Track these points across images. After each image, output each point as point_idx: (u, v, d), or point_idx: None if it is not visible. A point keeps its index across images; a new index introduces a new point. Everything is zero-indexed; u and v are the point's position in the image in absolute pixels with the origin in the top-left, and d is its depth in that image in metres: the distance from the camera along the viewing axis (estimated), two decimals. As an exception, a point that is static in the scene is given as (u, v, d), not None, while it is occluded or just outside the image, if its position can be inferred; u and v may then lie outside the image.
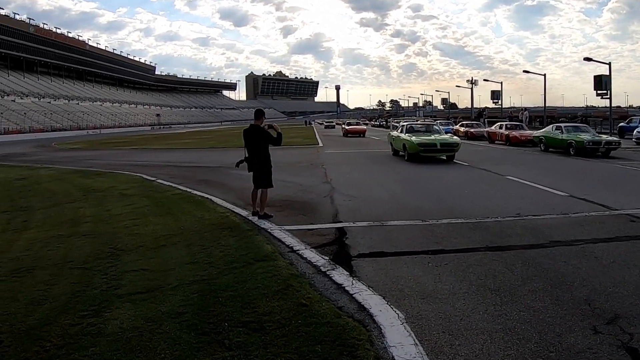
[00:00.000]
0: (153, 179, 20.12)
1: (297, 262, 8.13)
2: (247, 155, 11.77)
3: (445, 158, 25.59)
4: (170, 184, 18.43)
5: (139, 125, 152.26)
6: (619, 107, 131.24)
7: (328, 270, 7.63)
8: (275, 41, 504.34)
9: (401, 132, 28.82)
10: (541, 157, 28.66)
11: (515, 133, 38.29)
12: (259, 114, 11.93)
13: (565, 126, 32.03)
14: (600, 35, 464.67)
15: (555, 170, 21.86)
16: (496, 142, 40.77)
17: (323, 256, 8.39)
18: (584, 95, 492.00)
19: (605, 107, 61.57)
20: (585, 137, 28.67)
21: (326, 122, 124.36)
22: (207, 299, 6.66)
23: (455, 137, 31.07)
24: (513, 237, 9.59)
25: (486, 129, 46.15)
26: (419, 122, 39.01)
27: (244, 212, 12.35)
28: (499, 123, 43.78)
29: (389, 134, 32.82)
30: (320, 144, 44.69)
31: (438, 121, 66.44)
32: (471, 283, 7.04)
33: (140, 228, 11.13)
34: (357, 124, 59.87)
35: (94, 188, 18.11)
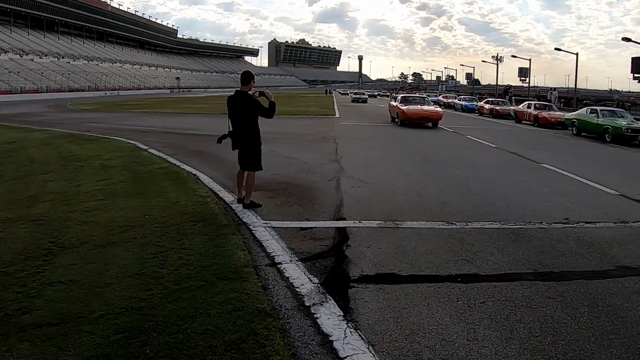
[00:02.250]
0: (146, 147, 18.42)
1: (274, 285, 5.89)
2: (231, 129, 9.56)
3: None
4: (161, 154, 16.60)
5: (158, 88, 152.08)
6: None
7: (314, 304, 5.35)
8: (300, 9, 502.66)
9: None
10: (575, 142, 26.40)
11: (544, 114, 35.86)
12: (247, 78, 9.50)
13: (601, 110, 29.57)
14: (627, 19, 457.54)
15: (594, 159, 19.54)
16: (523, 122, 38.52)
17: (311, 277, 6.16)
18: (607, 79, 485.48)
19: (631, 92, 58.88)
20: (623, 123, 26.49)
21: (355, 93, 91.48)
22: (131, 346, 4.55)
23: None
24: (568, 257, 7.29)
25: (513, 108, 43.73)
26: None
27: (228, 197, 10.29)
28: (527, 102, 41.36)
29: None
30: (337, 115, 42.53)
31: (462, 96, 64.77)
32: (522, 345, 4.75)
33: (99, 214, 9.14)
34: (422, 102, 35.42)
35: (77, 156, 16.61)
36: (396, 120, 32.35)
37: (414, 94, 62.94)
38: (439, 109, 33.30)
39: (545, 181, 13.28)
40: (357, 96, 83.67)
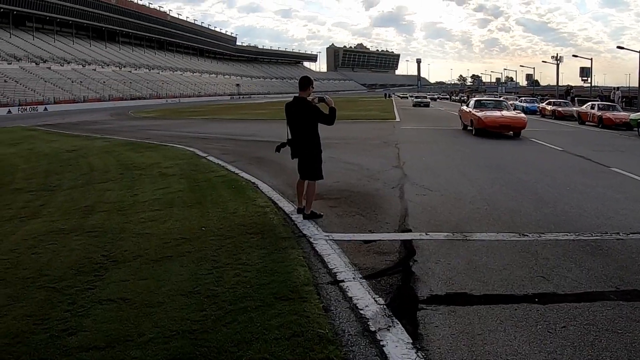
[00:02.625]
0: (205, 154, 18.29)
1: (337, 306, 5.45)
2: (290, 137, 9.14)
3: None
4: (220, 161, 16.41)
5: (218, 95, 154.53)
6: None
7: (380, 329, 4.89)
8: (357, 13, 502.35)
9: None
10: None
11: (608, 114, 34.62)
12: (305, 83, 9.04)
13: (670, 110, 28.66)
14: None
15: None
16: (586, 123, 37.29)
17: (377, 297, 5.69)
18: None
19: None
20: None
21: (416, 97, 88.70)
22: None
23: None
24: None
25: (576, 109, 42.37)
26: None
27: (288, 207, 9.90)
28: (590, 103, 40.19)
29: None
30: (397, 119, 41.86)
31: (522, 98, 63.47)
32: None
33: (154, 225, 8.90)
34: (500, 106, 29.66)
35: (136, 164, 16.55)
36: (469, 128, 27.24)
37: (481, 95, 60.85)
38: (521, 114, 27.97)
39: (617, 187, 12.54)
40: (419, 100, 77.56)
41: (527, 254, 7.27)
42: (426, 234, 8.15)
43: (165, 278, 6.35)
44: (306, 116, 8.84)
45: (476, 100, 30.73)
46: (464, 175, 13.99)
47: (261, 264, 6.73)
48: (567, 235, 8.23)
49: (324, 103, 9.00)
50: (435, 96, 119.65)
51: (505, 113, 26.73)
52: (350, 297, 5.67)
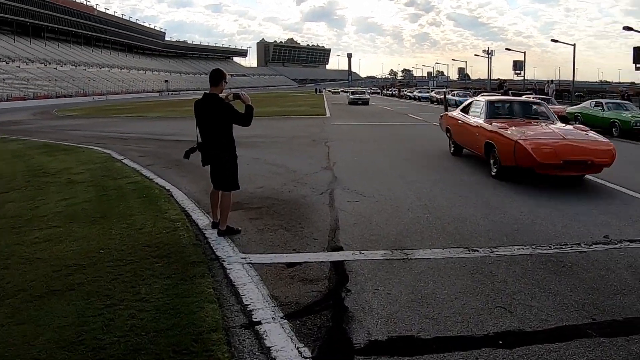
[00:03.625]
0: (121, 157, 16.92)
1: (251, 362, 4.28)
2: (200, 141, 7.90)
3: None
4: (136, 165, 15.09)
5: (147, 91, 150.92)
6: (633, 82, 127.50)
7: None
8: (288, 8, 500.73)
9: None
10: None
11: (544, 109, 33.14)
12: (217, 78, 7.74)
13: (606, 103, 28.06)
14: (616, 10, 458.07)
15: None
16: (523, 117, 36.17)
17: (301, 346, 4.52)
18: (598, 70, 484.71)
19: (620, 82, 57.53)
20: (631, 116, 25.11)
21: (352, 93, 70.31)
22: None
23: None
24: (627, 296, 5.72)
25: (512, 103, 41.06)
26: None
27: (202, 220, 8.71)
28: (525, 96, 39.84)
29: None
30: (328, 114, 40.76)
31: (455, 92, 63.30)
32: None
33: (48, 247, 7.55)
34: (541, 116, 14.61)
35: (45, 170, 15.02)
36: (494, 165, 12.68)
37: (450, 94, 55.02)
38: (602, 139, 12.80)
39: (567, 187, 11.65)
40: (356, 97, 63.51)
41: (481, 276, 6.21)
42: (360, 253, 7.01)
43: (47, 322, 5.06)
44: (218, 116, 7.54)
45: (488, 103, 15.20)
46: (400, 177, 12.87)
47: (163, 299, 5.47)
48: (522, 248, 7.25)
49: (240, 100, 7.73)
50: (368, 90, 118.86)
51: (561, 129, 13.18)
52: (269, 348, 4.49)
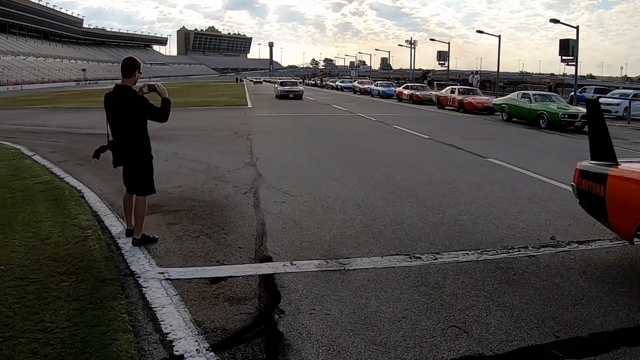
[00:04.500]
0: (31, 153, 15.39)
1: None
2: (111, 139, 6.92)
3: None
4: (47, 162, 13.74)
5: (64, 80, 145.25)
6: (553, 74, 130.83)
7: None
8: None
9: None
10: (510, 129, 24.80)
11: (469, 99, 34.40)
12: (130, 67, 6.81)
13: (533, 94, 28.09)
14: (537, 3, 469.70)
15: (542, 150, 17.65)
16: (446, 107, 36.95)
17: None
18: (518, 61, 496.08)
19: (541, 74, 58.71)
20: (558, 108, 25.20)
21: (281, 84, 53.08)
22: None
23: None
24: (586, 306, 5.22)
25: (435, 93, 42.04)
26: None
27: (116, 227, 7.68)
28: (450, 87, 40.03)
29: None
30: (249, 105, 39.59)
31: (378, 82, 63.20)
32: None
33: None
34: None
35: None
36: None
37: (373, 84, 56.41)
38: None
39: (503, 182, 11.26)
40: (287, 89, 50.12)
41: (427, 288, 5.55)
42: (292, 264, 6.23)
43: None
44: (131, 110, 6.60)
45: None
46: (328, 173, 12.13)
47: (69, 329, 4.53)
48: (467, 254, 6.65)
49: (156, 93, 6.85)
50: (299, 80, 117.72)
51: None
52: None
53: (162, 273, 5.88)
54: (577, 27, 37.98)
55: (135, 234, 6.88)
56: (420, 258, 6.45)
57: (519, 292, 5.51)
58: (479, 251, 6.76)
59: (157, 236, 7.04)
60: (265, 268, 6.09)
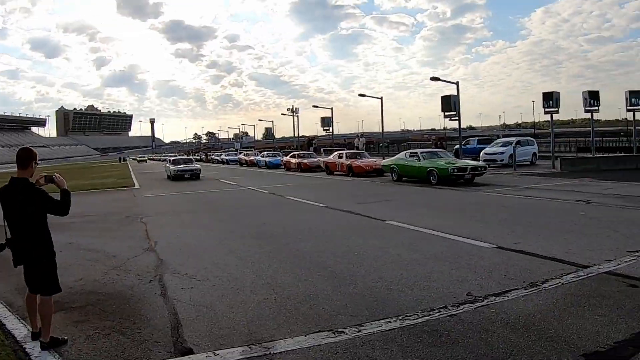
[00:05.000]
0: None
1: None
2: (9, 237, 6.45)
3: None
4: None
5: None
6: (434, 129, 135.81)
7: None
8: (88, 73, 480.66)
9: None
10: (403, 189, 25.27)
11: (358, 162, 35.07)
12: (26, 158, 6.43)
13: (421, 152, 28.97)
14: (413, 62, 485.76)
15: (438, 207, 18.22)
16: (335, 172, 37.56)
17: None
18: (399, 119, 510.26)
19: (422, 130, 60.96)
20: (446, 163, 26.11)
21: (173, 162, 45.43)
22: None
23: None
24: (518, 356, 5.35)
25: (323, 159, 42.72)
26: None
27: (20, 330, 7.04)
28: (337, 152, 40.61)
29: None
30: (137, 185, 38.44)
31: (264, 152, 63.56)
32: None
33: None
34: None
35: None
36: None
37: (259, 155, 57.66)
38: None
39: (408, 244, 11.32)
40: (182, 168, 43.36)
41: (357, 364, 5.40)
42: (215, 354, 5.89)
43: None
44: (29, 205, 6.21)
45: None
46: (232, 251, 11.78)
47: None
48: (389, 322, 6.56)
49: (53, 184, 6.50)
50: (194, 158, 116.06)
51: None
52: None
53: (79, 380, 5.42)
54: (457, 83, 39.42)
55: (42, 336, 6.37)
56: (344, 332, 6.29)
57: (450, 353, 5.48)
58: (400, 317, 6.68)
59: (66, 337, 6.55)
60: (186, 363, 5.72)
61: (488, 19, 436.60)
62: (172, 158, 51.72)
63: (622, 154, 40.62)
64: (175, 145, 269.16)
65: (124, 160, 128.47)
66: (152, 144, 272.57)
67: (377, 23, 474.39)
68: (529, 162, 38.56)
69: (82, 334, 6.78)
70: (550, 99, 36.17)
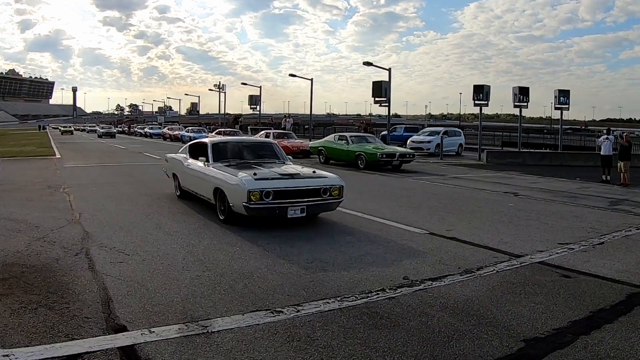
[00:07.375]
0: None
1: None
2: None
3: None
4: None
5: None
6: (359, 115, 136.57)
7: None
8: (12, 36, 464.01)
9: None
10: (331, 171, 24.83)
11: (285, 143, 34.56)
12: None
13: (350, 136, 29.10)
14: (343, 46, 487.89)
15: (367, 191, 18.16)
16: (262, 153, 36.62)
17: None
18: (325, 103, 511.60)
19: (347, 114, 61.50)
20: (375, 148, 26.30)
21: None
22: None
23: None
24: (462, 342, 5.37)
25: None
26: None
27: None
28: (264, 131, 40.34)
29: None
30: (58, 155, 37.17)
31: (189, 128, 62.78)
32: None
33: None
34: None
35: None
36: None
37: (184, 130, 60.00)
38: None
39: (340, 225, 11.28)
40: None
41: (300, 342, 5.35)
42: (150, 331, 5.68)
43: None
44: None
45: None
46: (160, 226, 11.52)
47: None
48: (328, 303, 6.53)
49: None
50: (96, 128, 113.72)
51: None
52: None
53: (7, 356, 5.14)
54: (389, 69, 39.67)
55: (-37, 312, 6.28)
56: (282, 312, 6.20)
57: (391, 335, 5.49)
58: (338, 298, 6.65)
59: (-11, 313, 6.28)
60: (122, 339, 5.49)
61: (421, 9, 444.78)
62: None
63: (548, 150, 41.89)
64: (97, 116, 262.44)
65: (44, 128, 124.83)
66: (74, 114, 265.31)
67: (310, 5, 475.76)
68: (454, 153, 39.36)
69: (7, 309, 6.43)
70: (481, 92, 36.90)
